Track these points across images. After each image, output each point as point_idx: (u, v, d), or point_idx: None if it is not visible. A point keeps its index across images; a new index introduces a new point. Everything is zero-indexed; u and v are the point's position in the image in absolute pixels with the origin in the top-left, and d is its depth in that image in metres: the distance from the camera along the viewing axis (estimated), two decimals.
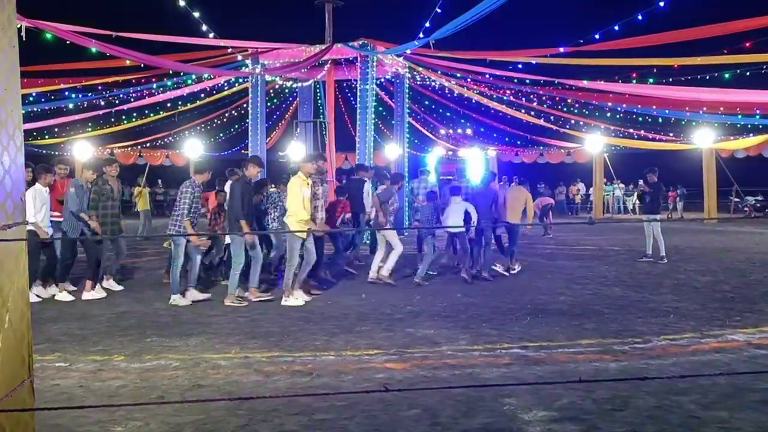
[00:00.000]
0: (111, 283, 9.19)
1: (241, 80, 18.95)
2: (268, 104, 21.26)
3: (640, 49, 13.07)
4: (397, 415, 4.25)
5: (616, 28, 11.16)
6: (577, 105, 20.69)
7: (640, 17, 10.67)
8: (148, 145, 28.81)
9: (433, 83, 20.71)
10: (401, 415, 4.24)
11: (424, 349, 5.97)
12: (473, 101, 22.58)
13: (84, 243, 8.65)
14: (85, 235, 8.48)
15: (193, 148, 24.74)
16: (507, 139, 29.60)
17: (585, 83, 16.02)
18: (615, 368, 5.33)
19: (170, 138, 28.09)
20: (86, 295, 8.49)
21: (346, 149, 25.74)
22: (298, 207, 8.17)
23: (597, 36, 11.71)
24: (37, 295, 8.34)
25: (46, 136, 24.52)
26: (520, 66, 15.01)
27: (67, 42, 10.40)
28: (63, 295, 8.52)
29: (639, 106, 19.21)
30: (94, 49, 10.85)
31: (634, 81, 16.02)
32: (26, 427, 2.25)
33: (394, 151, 18.96)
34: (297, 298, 8.19)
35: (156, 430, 4.02)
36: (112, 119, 22.75)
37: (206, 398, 4.59)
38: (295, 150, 19.95)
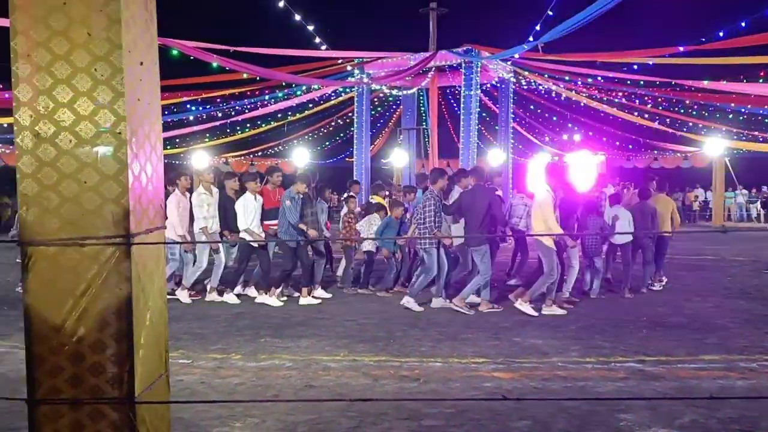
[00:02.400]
0: (250, 290, 9.21)
1: (347, 90, 19.41)
2: (373, 112, 21.63)
3: None
4: (507, 425, 4.19)
5: (743, 24, 10.46)
6: (695, 107, 19.57)
7: None
8: (259, 153, 30.09)
9: (539, 87, 20.28)
10: (511, 426, 4.17)
11: (533, 359, 5.85)
12: (582, 104, 21.89)
13: (296, 252, 8.72)
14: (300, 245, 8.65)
15: (300, 157, 25.60)
16: (618, 143, 28.47)
17: (705, 84, 15.13)
18: (742, 386, 4.99)
19: (280, 147, 29.22)
20: (302, 301, 8.65)
21: (449, 155, 25.71)
22: (553, 219, 7.93)
23: (721, 33, 11.03)
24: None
25: (168, 147, 26.18)
26: (635, 67, 14.40)
27: (191, 57, 11.07)
28: (272, 300, 8.66)
29: (766, 107, 17.90)
30: (215, 64, 11.49)
31: (762, 80, 14.93)
32: (163, 418, 2.42)
33: (497, 157, 18.73)
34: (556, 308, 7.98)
35: (272, 427, 4.18)
36: (228, 130, 23.97)
37: (319, 398, 4.72)
38: (398, 157, 20.19)
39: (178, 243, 8.75)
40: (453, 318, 7.74)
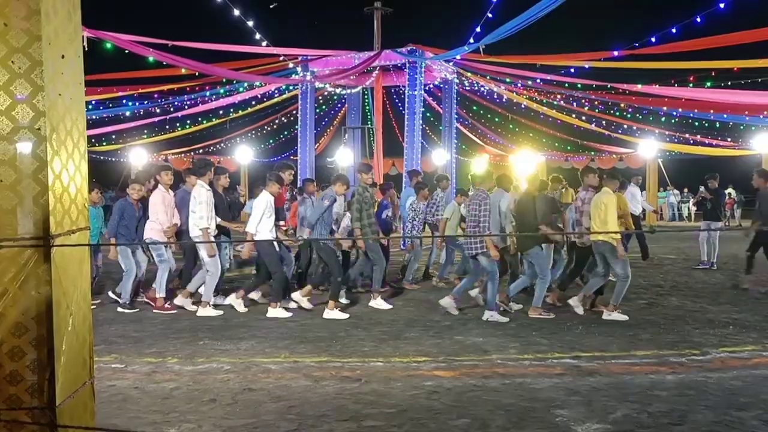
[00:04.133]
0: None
1: (291, 87, 19.22)
2: (317, 111, 21.48)
3: (698, 52, 12.69)
4: (446, 424, 4.21)
5: (674, 30, 10.86)
6: (630, 109, 20.22)
7: (698, 19, 10.37)
8: (201, 151, 29.45)
9: (481, 88, 20.57)
10: (451, 425, 4.20)
11: (474, 357, 5.91)
12: (523, 106, 22.32)
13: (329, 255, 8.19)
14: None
15: (243, 155, 25.20)
16: (557, 144, 29.16)
17: (639, 87, 15.64)
18: (672, 381, 5.16)
19: (222, 144, 28.69)
20: (327, 314, 7.85)
21: (394, 155, 25.80)
22: (614, 221, 7.81)
23: (653, 39, 11.42)
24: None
25: (104, 143, 25.32)
26: (572, 70, 14.76)
27: (126, 51, 10.70)
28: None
29: (696, 110, 18.65)
30: (151, 58, 11.15)
31: (691, 85, 15.56)
32: (87, 426, 2.31)
33: (441, 157, 18.90)
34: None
35: None
36: (167, 126, 23.35)
37: (258, 401, 4.64)
38: (343, 156, 20.15)
39: (150, 243, 8.20)
40: (397, 317, 7.75)
